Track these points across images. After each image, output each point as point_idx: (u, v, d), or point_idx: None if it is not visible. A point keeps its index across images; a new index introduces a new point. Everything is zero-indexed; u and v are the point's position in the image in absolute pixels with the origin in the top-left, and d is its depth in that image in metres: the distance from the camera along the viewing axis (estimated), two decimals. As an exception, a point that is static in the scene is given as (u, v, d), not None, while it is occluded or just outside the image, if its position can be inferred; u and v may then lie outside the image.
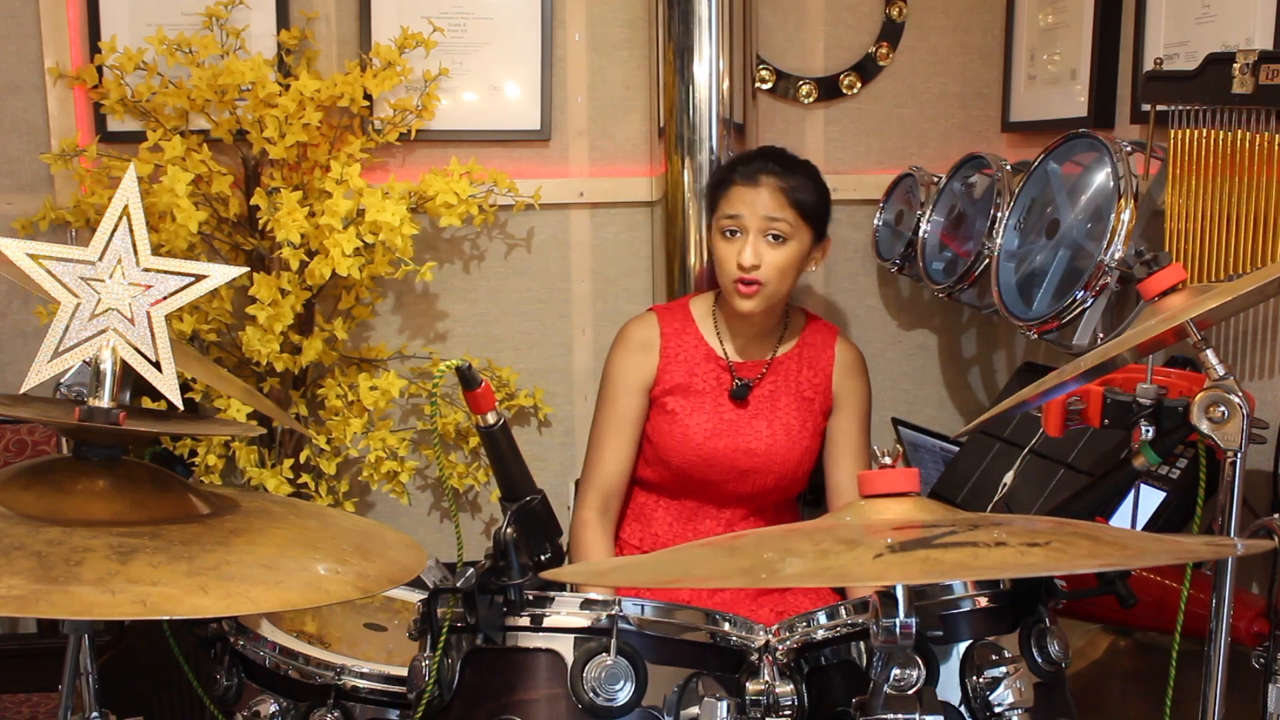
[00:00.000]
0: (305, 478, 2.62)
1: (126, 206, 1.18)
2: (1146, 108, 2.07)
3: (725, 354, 2.28)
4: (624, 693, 1.34)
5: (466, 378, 1.32)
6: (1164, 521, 1.88)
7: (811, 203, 2.20)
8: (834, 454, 2.31)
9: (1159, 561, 1.54)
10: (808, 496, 2.57)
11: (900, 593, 1.18)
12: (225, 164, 2.58)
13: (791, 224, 2.17)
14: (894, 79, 2.92)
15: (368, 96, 2.61)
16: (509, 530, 1.35)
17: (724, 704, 1.34)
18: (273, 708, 1.54)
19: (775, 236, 2.16)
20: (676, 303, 2.39)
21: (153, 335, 1.18)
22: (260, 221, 2.50)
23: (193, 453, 2.59)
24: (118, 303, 1.17)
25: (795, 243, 2.18)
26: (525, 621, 1.38)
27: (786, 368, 2.28)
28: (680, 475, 2.26)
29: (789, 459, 2.24)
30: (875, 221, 2.88)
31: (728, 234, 2.19)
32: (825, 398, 2.29)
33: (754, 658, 1.45)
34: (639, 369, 2.28)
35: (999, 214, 2.31)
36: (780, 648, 1.46)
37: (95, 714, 1.36)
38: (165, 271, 1.19)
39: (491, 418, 1.35)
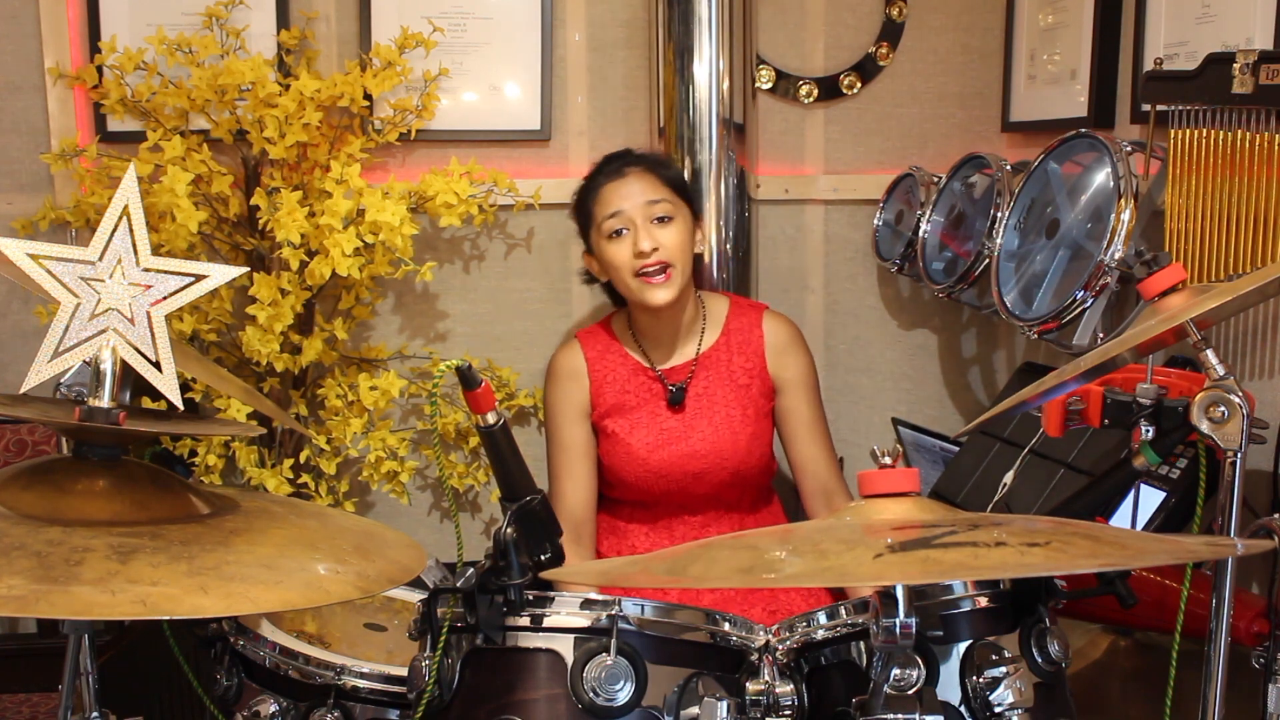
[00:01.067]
0: (305, 478, 2.62)
1: (126, 206, 1.18)
2: (1146, 108, 2.07)
3: (651, 363, 2.28)
4: (624, 693, 1.34)
5: (466, 378, 1.32)
6: (1164, 521, 1.88)
7: (680, 179, 2.24)
8: (788, 434, 2.30)
9: (1159, 561, 1.54)
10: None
11: (900, 593, 1.18)
12: (225, 164, 2.58)
13: (672, 202, 2.18)
14: (894, 79, 2.92)
15: (368, 96, 2.61)
16: (509, 530, 1.35)
17: (724, 704, 1.34)
18: (273, 708, 1.54)
19: (661, 218, 2.16)
20: (597, 325, 2.39)
21: (153, 335, 1.18)
22: (260, 221, 2.50)
23: (193, 453, 2.59)
24: (118, 303, 1.17)
25: (680, 220, 2.18)
26: (525, 621, 1.38)
27: (715, 359, 2.27)
28: (639, 491, 2.27)
29: (735, 451, 2.24)
30: (875, 221, 2.88)
31: (614, 234, 2.17)
32: (762, 380, 2.28)
33: (754, 658, 1.45)
34: (572, 397, 2.29)
35: (999, 214, 2.31)
36: (780, 648, 1.46)
37: (95, 714, 1.36)
38: (165, 271, 1.19)
39: (491, 418, 1.35)
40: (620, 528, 2.33)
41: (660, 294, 2.16)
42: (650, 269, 2.15)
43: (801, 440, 2.29)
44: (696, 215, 2.26)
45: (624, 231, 2.17)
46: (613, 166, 2.24)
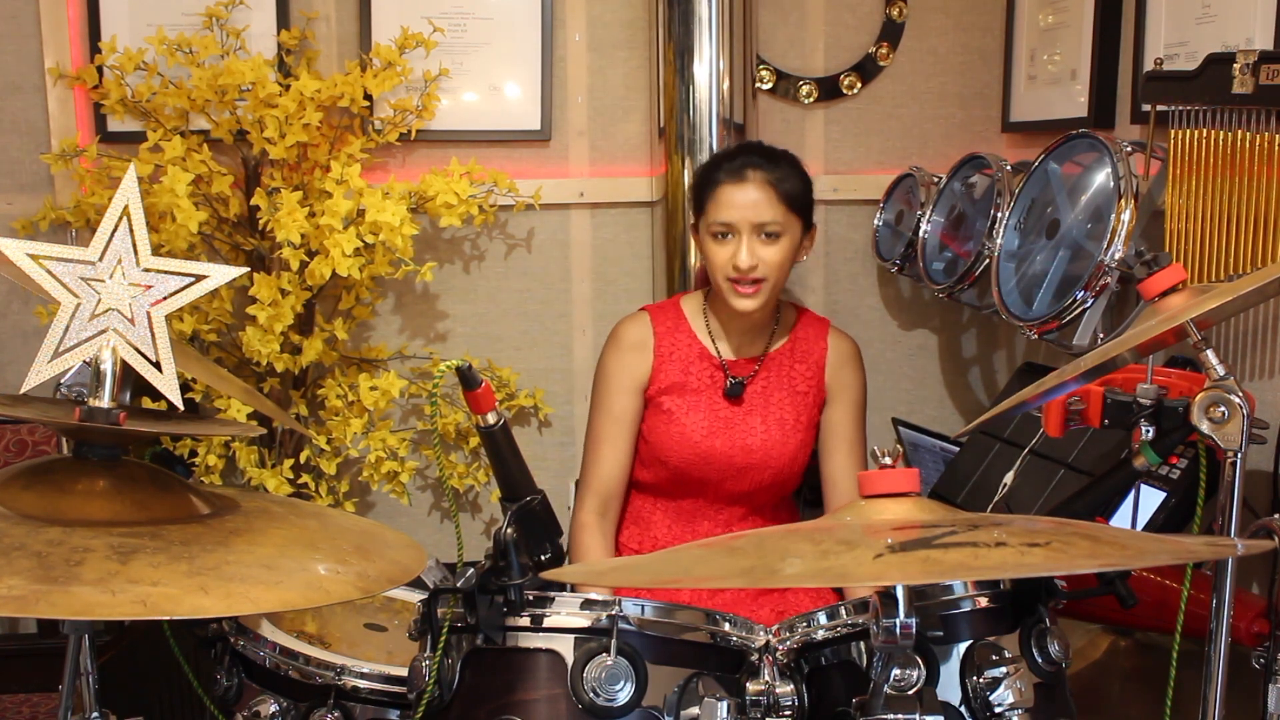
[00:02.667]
0: (305, 478, 2.62)
1: (127, 206, 1.18)
2: (1147, 108, 2.07)
3: (718, 352, 2.28)
4: (624, 693, 1.34)
5: (466, 378, 1.32)
6: (1164, 521, 1.88)
7: (798, 193, 2.19)
8: (828, 445, 2.30)
9: (1159, 561, 1.54)
10: (808, 496, 2.56)
11: (900, 593, 1.18)
12: (225, 164, 2.58)
13: (782, 221, 2.16)
14: (894, 79, 2.92)
15: (368, 96, 2.61)
16: (509, 530, 1.35)
17: (724, 704, 1.34)
18: (273, 708, 1.54)
19: (768, 234, 2.16)
20: (668, 302, 2.38)
21: (153, 335, 1.18)
22: (260, 221, 2.50)
23: (193, 453, 2.59)
24: (118, 303, 1.17)
25: (787, 237, 2.17)
26: (525, 621, 1.37)
27: (779, 363, 2.28)
28: (677, 475, 2.26)
29: (784, 454, 2.24)
30: (875, 221, 2.88)
31: (719, 236, 2.18)
32: (819, 391, 2.29)
33: (754, 658, 1.45)
34: (633, 369, 2.27)
35: (999, 214, 2.31)
36: (780, 648, 1.46)
37: (95, 714, 1.36)
38: (165, 272, 1.19)
39: (491, 418, 1.35)
40: (644, 517, 2.33)
41: (747, 304, 2.17)
42: (744, 281, 2.15)
43: (839, 454, 2.29)
44: (809, 226, 2.24)
45: (729, 236, 2.17)
46: (736, 164, 2.18)
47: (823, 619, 1.44)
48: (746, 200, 2.15)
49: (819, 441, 2.32)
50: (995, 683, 1.33)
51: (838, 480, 2.29)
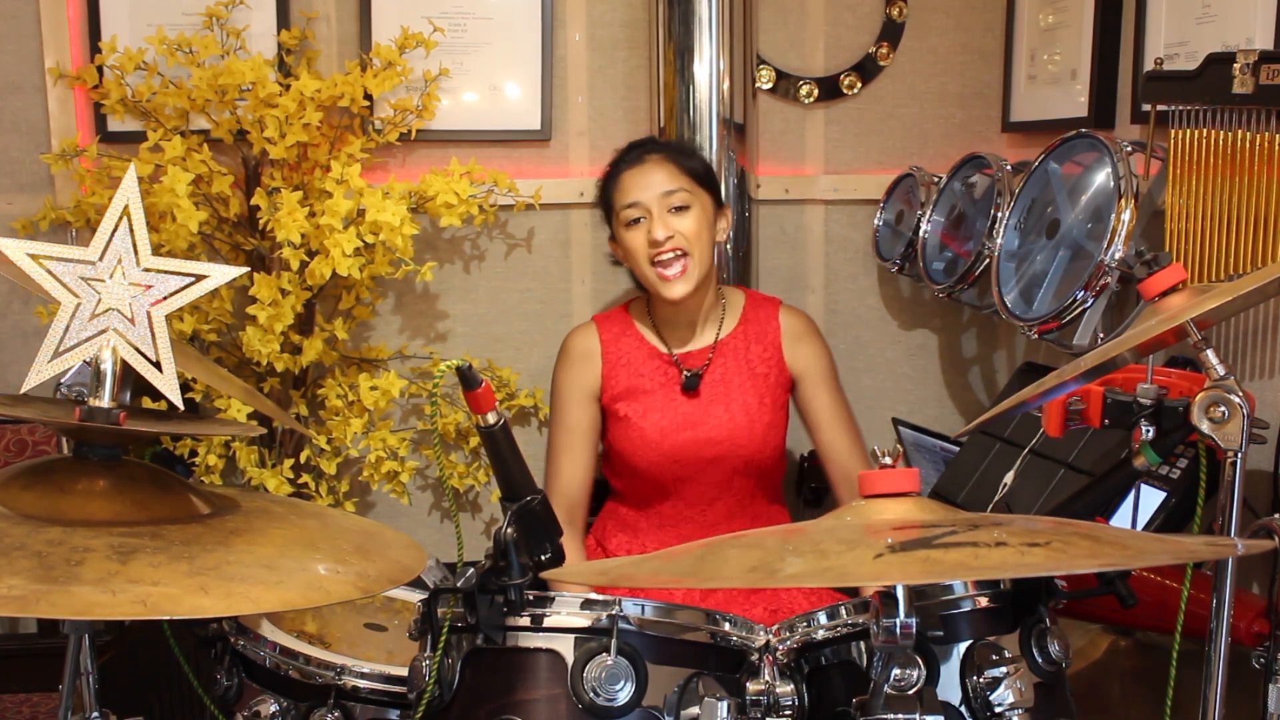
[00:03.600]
0: (305, 478, 2.62)
1: (127, 206, 1.18)
2: (1147, 108, 2.07)
3: (668, 349, 2.28)
4: (624, 693, 1.34)
5: (467, 378, 1.32)
6: (1164, 521, 1.88)
7: (701, 168, 2.23)
8: (813, 424, 2.32)
9: (1159, 561, 1.54)
10: (808, 496, 2.57)
11: (900, 593, 1.18)
12: (225, 164, 2.58)
13: (689, 190, 2.18)
14: (894, 79, 2.92)
15: (368, 96, 2.61)
16: (509, 530, 1.35)
17: (724, 704, 1.34)
18: (273, 708, 1.54)
19: (678, 207, 2.17)
20: (616, 309, 2.40)
21: (153, 335, 1.18)
22: (260, 221, 2.50)
23: (193, 453, 2.59)
24: (118, 303, 1.17)
25: (698, 208, 2.18)
26: (525, 621, 1.38)
27: (733, 347, 2.28)
28: (650, 479, 2.26)
29: (753, 437, 2.24)
30: (875, 221, 2.88)
31: (631, 224, 2.19)
32: (780, 370, 2.28)
33: (754, 658, 1.45)
34: (582, 378, 2.29)
35: (999, 214, 2.31)
36: (780, 648, 1.46)
37: (95, 714, 1.36)
38: (165, 271, 1.19)
39: (492, 418, 1.35)
40: (630, 524, 2.33)
41: (676, 288, 2.18)
42: (665, 256, 2.16)
43: (825, 429, 2.31)
44: (719, 204, 2.26)
45: (641, 220, 2.19)
46: (633, 154, 2.26)
47: (823, 619, 1.44)
48: (648, 177, 2.19)
49: (805, 423, 2.32)
50: (995, 682, 1.33)
51: (832, 456, 2.30)
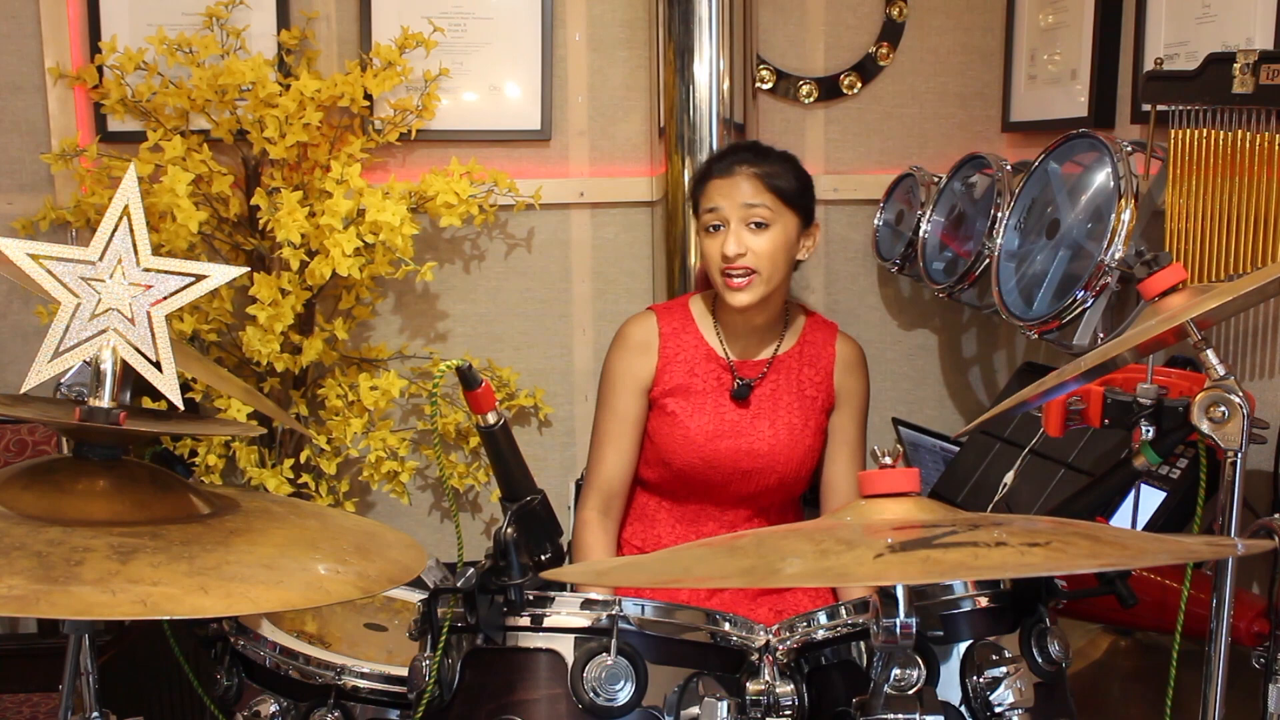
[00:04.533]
0: (305, 478, 2.62)
1: (127, 206, 1.18)
2: (1147, 108, 2.07)
3: (725, 353, 2.27)
4: (624, 693, 1.34)
5: (467, 378, 1.32)
6: (1164, 521, 1.88)
7: (791, 188, 2.18)
8: (831, 450, 2.30)
9: (1159, 561, 1.54)
10: (809, 496, 2.56)
11: (900, 593, 1.18)
12: (225, 164, 2.58)
13: (771, 208, 2.15)
14: (894, 79, 2.92)
15: (368, 96, 2.61)
16: (509, 530, 1.35)
17: (724, 704, 1.34)
18: (273, 708, 1.54)
19: (757, 224, 2.15)
20: (675, 301, 2.37)
21: (153, 335, 1.18)
22: (260, 221, 2.50)
23: (193, 453, 2.59)
24: (118, 303, 1.17)
25: (779, 228, 2.16)
26: (525, 621, 1.37)
27: (788, 366, 2.27)
28: (682, 477, 2.25)
29: (792, 459, 2.23)
30: (875, 221, 2.88)
31: (711, 229, 2.18)
32: (828, 396, 2.28)
33: (754, 658, 1.45)
34: (637, 369, 2.26)
35: (999, 214, 2.31)
36: (780, 648, 1.46)
37: (95, 714, 1.36)
38: (165, 271, 1.19)
39: (492, 418, 1.35)
40: (649, 515, 2.32)
41: (739, 297, 2.16)
42: (734, 272, 2.15)
43: (840, 459, 2.29)
44: (808, 223, 2.24)
45: (719, 228, 2.17)
46: (725, 161, 2.21)
47: (823, 619, 1.44)
48: (733, 188, 2.16)
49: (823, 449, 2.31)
50: (995, 682, 1.33)
51: (838, 485, 2.29)
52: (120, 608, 1.00)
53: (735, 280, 2.15)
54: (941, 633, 1.37)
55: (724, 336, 2.28)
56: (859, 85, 2.90)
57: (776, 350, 2.28)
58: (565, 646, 1.36)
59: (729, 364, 2.26)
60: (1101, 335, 2.02)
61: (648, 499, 2.33)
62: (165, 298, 1.19)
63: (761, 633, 1.47)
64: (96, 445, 1.21)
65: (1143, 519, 1.89)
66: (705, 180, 2.21)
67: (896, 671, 1.19)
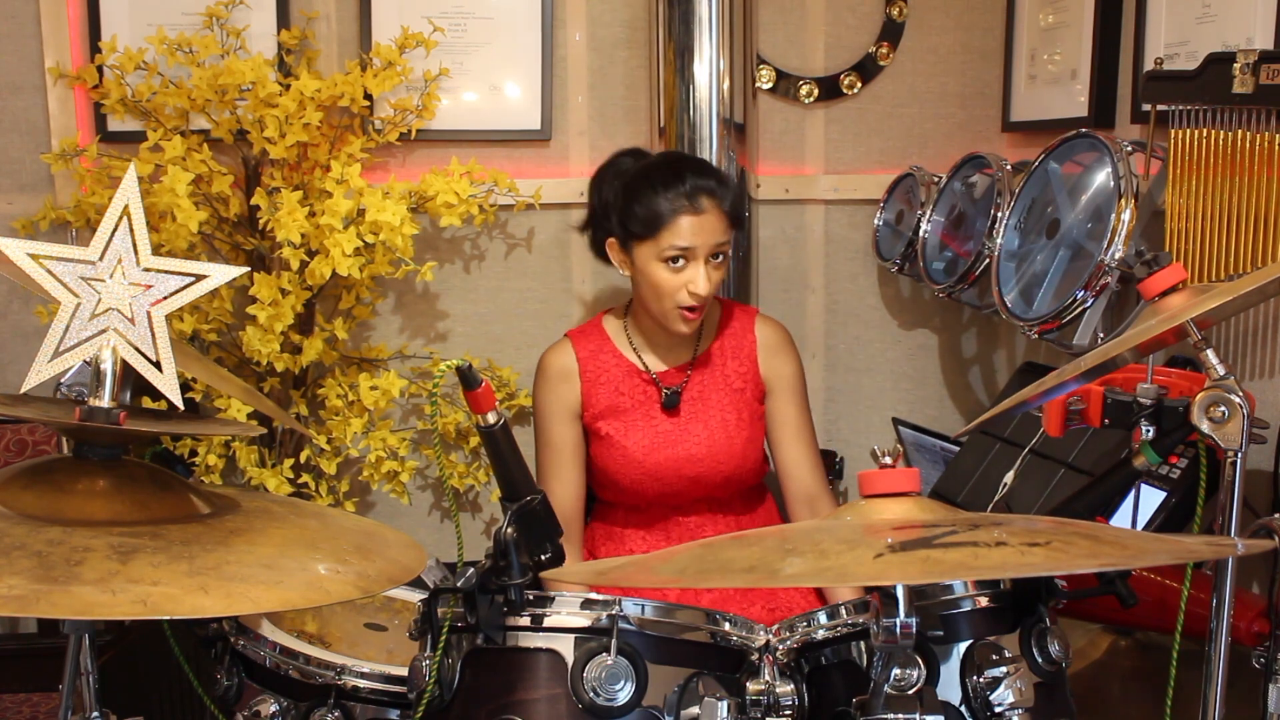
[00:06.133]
0: (305, 477, 2.62)
1: (127, 206, 1.18)
2: (1147, 108, 2.07)
3: (646, 366, 2.27)
4: (624, 693, 1.34)
5: (467, 378, 1.32)
6: (1164, 521, 1.88)
7: (740, 210, 2.21)
8: (774, 437, 2.30)
9: (1159, 561, 1.54)
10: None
11: (900, 593, 1.18)
12: (225, 164, 2.58)
13: (730, 239, 2.17)
14: (894, 79, 2.92)
15: (368, 96, 2.61)
16: (509, 530, 1.35)
17: (724, 704, 1.34)
18: (273, 707, 1.54)
19: (715, 256, 2.14)
20: (589, 324, 2.35)
21: (153, 335, 1.18)
22: (260, 221, 2.50)
23: (193, 452, 2.59)
24: (118, 302, 1.17)
25: (728, 251, 2.18)
26: (525, 621, 1.38)
27: (710, 363, 2.27)
28: (634, 494, 2.27)
29: (732, 454, 2.23)
30: (875, 221, 2.88)
31: (672, 261, 2.12)
32: (756, 384, 2.28)
33: (754, 657, 1.45)
34: (562, 398, 2.26)
35: (999, 214, 2.31)
36: (780, 647, 1.46)
37: (95, 714, 1.36)
38: (165, 271, 1.19)
39: (492, 418, 1.35)
40: (617, 533, 2.33)
41: (689, 328, 2.18)
42: (697, 308, 2.14)
43: (787, 444, 2.29)
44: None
45: (681, 261, 2.12)
46: (686, 189, 2.11)
47: (823, 619, 1.44)
48: (707, 227, 2.12)
49: (768, 437, 2.31)
50: (995, 682, 1.33)
51: (790, 470, 2.29)
52: (120, 608, 1.00)
53: (693, 314, 2.15)
54: (941, 633, 1.37)
55: (641, 350, 2.28)
56: (859, 85, 2.90)
57: (695, 351, 2.27)
58: (565, 646, 1.36)
59: (652, 377, 2.26)
60: (1101, 335, 2.02)
61: (614, 518, 2.34)
62: (165, 297, 1.19)
63: (761, 632, 1.47)
64: (96, 445, 1.21)
65: (1143, 519, 1.89)
66: (667, 215, 2.11)
67: (896, 671, 1.19)
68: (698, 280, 2.12)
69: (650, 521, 2.31)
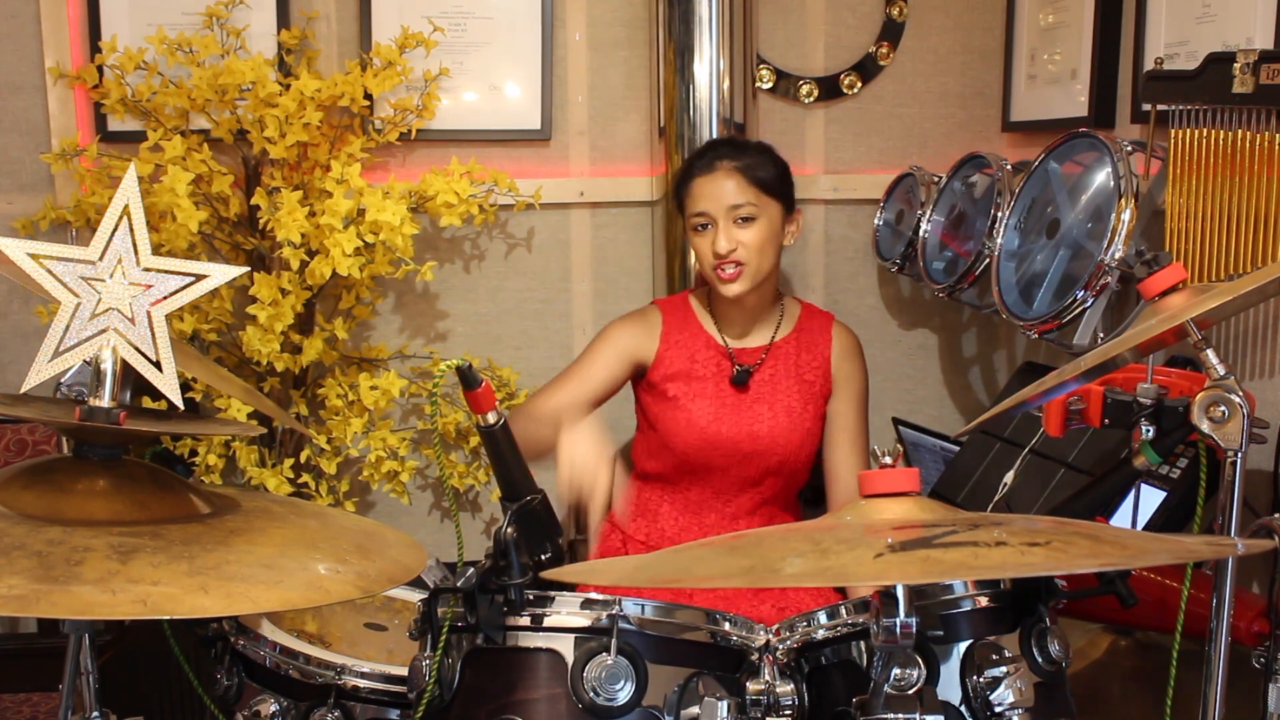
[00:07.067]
0: (305, 477, 2.62)
1: (127, 206, 1.18)
2: (1147, 107, 2.07)
3: (724, 341, 2.32)
4: (624, 692, 1.34)
5: (467, 377, 1.32)
6: (1164, 521, 1.88)
7: (771, 178, 2.24)
8: (831, 437, 2.34)
9: (1159, 561, 1.54)
10: (808, 495, 2.57)
11: (900, 592, 1.18)
12: (225, 164, 2.58)
13: (755, 203, 2.21)
14: (894, 79, 2.92)
15: (368, 96, 2.61)
16: (509, 530, 1.35)
17: (724, 704, 1.34)
18: (273, 707, 1.54)
19: (743, 219, 2.21)
20: (676, 296, 2.44)
21: (153, 335, 1.18)
22: (260, 221, 2.50)
23: (193, 452, 2.59)
24: (118, 302, 1.17)
25: (764, 219, 2.22)
26: (525, 621, 1.38)
27: (785, 352, 2.32)
28: (684, 462, 2.28)
29: (791, 441, 2.27)
30: (875, 221, 2.88)
31: (699, 228, 2.24)
32: (825, 381, 2.32)
33: (754, 657, 1.45)
34: (635, 341, 2.32)
35: (999, 214, 2.31)
36: (781, 647, 1.46)
37: (95, 714, 1.36)
38: (165, 271, 1.19)
39: (492, 417, 1.35)
40: (651, 509, 2.34)
41: (733, 288, 2.23)
42: (726, 266, 2.21)
43: (842, 447, 2.33)
44: (790, 210, 2.28)
45: (707, 226, 2.23)
46: (706, 159, 2.26)
47: (823, 618, 1.44)
48: (717, 188, 2.21)
49: (824, 437, 2.34)
50: (995, 682, 1.33)
51: (840, 473, 2.33)
52: (120, 607, 1.00)
53: (728, 273, 2.21)
54: (941, 632, 1.37)
55: (722, 325, 2.34)
56: (859, 85, 2.90)
57: (773, 337, 2.33)
58: (565, 646, 1.36)
59: (728, 351, 2.30)
60: (1101, 335, 2.02)
61: (650, 493, 2.35)
62: (165, 297, 1.19)
63: (761, 632, 1.47)
64: (96, 445, 1.21)
65: (1143, 519, 1.89)
66: (689, 180, 2.26)
67: (896, 671, 1.19)
68: (718, 239, 2.20)
69: (686, 502, 2.32)
